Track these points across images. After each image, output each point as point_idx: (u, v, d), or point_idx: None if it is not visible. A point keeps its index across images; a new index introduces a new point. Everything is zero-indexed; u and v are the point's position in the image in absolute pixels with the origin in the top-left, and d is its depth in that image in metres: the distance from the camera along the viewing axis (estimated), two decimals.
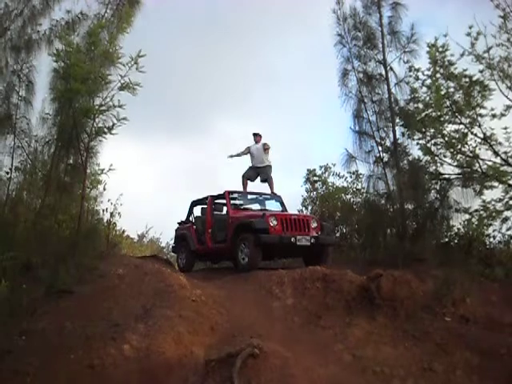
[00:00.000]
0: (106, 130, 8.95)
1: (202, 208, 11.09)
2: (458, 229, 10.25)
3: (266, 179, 11.35)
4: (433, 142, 10.65)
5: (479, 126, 10.04)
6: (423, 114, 10.64)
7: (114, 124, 8.86)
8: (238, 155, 11.76)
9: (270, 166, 11.40)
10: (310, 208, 13.71)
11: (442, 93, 10.28)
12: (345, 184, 13.57)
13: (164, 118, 45.33)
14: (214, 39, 42.91)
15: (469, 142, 10.23)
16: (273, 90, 47.78)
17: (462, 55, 10.10)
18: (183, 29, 43.09)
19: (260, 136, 11.55)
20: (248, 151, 11.62)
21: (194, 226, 11.03)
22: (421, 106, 10.76)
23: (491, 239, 9.91)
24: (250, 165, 11.57)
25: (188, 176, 34.84)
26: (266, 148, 11.29)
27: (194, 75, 43.92)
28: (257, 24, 40.49)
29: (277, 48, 44.26)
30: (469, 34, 9.91)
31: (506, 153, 9.85)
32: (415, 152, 10.94)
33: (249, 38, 46.45)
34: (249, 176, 11.46)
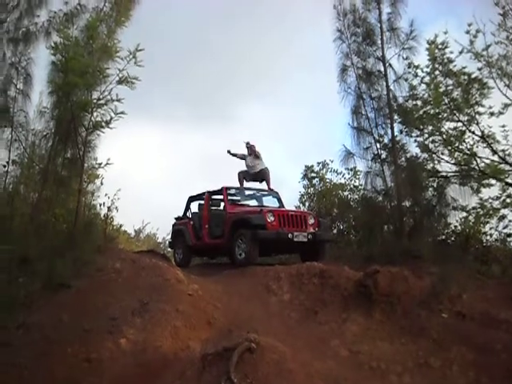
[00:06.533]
0: (103, 123, 8.95)
1: (200, 204, 11.08)
2: (455, 226, 10.33)
3: (263, 179, 11.29)
4: (431, 139, 10.70)
5: (477, 123, 10.08)
6: (421, 111, 10.67)
7: (111, 118, 8.89)
8: (235, 155, 11.63)
9: (265, 169, 11.23)
10: (307, 204, 13.73)
11: (441, 90, 10.30)
12: (342, 181, 13.60)
13: (187, 106, 45.12)
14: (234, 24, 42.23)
15: (467, 140, 10.29)
16: (302, 76, 47.15)
17: (461, 52, 10.12)
18: (210, 14, 42.18)
19: (252, 147, 11.31)
20: (243, 159, 11.48)
21: (191, 222, 11.00)
22: (419, 103, 10.79)
23: (488, 237, 9.98)
24: (246, 169, 11.42)
25: (208, 165, 34.43)
26: (256, 156, 11.17)
27: (219, 62, 43.73)
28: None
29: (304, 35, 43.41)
30: (468, 32, 9.93)
31: (503, 151, 9.90)
32: (413, 149, 11.02)
33: (270, 22, 45.61)
34: (244, 175, 11.39)
